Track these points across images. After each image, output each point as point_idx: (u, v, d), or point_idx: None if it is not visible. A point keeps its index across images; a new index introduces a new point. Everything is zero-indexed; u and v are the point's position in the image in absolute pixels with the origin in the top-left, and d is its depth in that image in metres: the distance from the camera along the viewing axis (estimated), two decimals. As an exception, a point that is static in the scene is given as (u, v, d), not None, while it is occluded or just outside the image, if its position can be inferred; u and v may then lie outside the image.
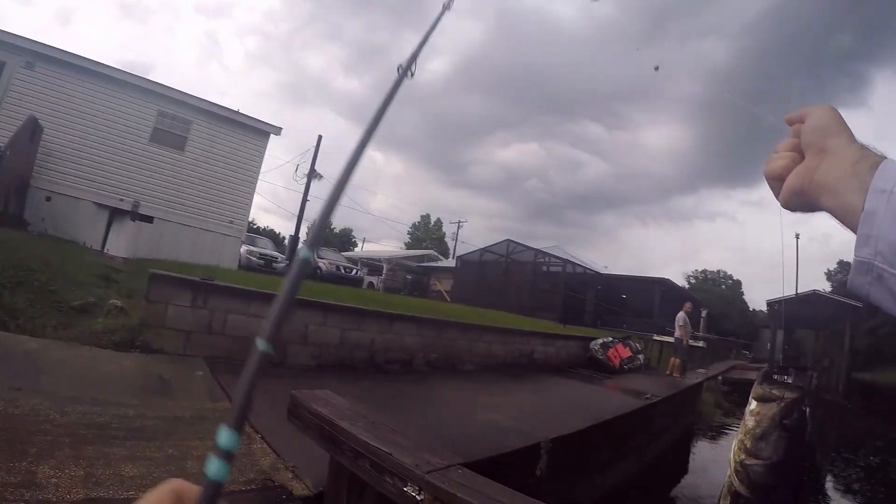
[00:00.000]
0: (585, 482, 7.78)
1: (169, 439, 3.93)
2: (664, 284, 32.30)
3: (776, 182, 0.82)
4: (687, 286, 69.08)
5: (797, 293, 27.24)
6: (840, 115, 0.78)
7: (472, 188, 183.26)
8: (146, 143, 17.84)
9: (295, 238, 26.57)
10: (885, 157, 0.68)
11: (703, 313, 35.34)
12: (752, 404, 0.91)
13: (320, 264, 26.50)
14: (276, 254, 25.42)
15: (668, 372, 15.40)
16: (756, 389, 0.94)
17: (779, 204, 0.82)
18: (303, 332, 8.21)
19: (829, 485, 12.44)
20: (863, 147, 0.72)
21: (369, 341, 9.05)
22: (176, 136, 18.61)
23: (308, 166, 29.03)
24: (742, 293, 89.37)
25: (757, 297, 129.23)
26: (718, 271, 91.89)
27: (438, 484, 2.35)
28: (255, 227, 66.31)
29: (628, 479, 9.39)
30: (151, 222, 17.81)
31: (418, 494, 2.42)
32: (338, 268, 27.28)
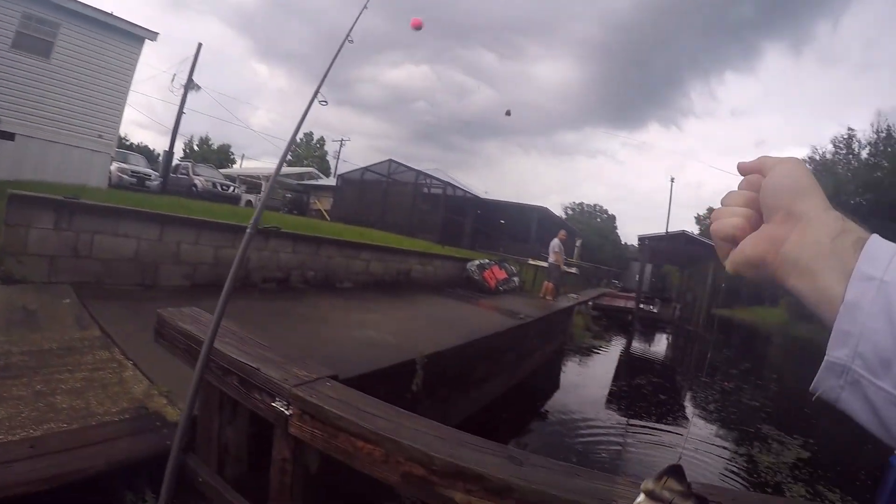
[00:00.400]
0: (461, 398, 7.92)
1: (37, 375, 3.65)
2: (542, 213, 32.84)
3: (725, 243, 0.70)
4: (564, 216, 70.92)
5: (667, 231, 28.35)
6: (809, 172, 0.67)
7: (358, 107, 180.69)
8: (7, 50, 15.95)
9: (169, 154, 25.07)
10: (871, 234, 0.57)
11: (578, 243, 36.43)
12: (640, 497, 0.77)
13: (196, 181, 25.55)
14: (149, 171, 23.88)
15: (541, 295, 15.79)
16: (647, 483, 0.79)
17: (725, 265, 0.70)
18: (174, 251, 7.77)
19: (688, 403, 13.35)
20: (842, 217, 0.61)
21: (245, 259, 8.69)
22: (41, 41, 16.69)
23: (186, 77, 27.18)
24: (616, 228, 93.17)
25: (629, 233, 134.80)
26: (595, 205, 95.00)
27: (306, 397, 2.24)
28: (127, 143, 62.92)
29: (503, 395, 9.67)
30: (13, 140, 16.08)
31: (286, 409, 2.32)
32: (214, 185, 26.24)
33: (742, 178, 0.74)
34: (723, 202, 0.74)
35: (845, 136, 44.28)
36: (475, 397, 8.52)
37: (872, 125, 53.32)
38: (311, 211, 36.41)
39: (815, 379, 0.58)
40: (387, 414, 2.17)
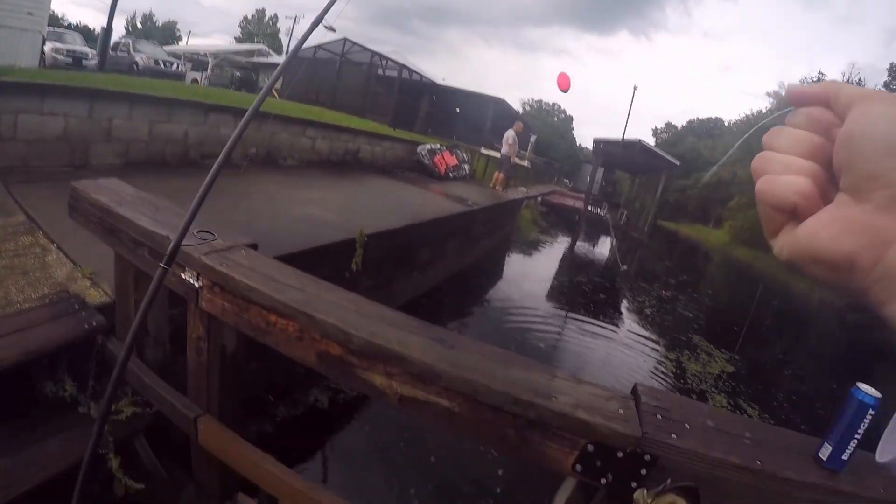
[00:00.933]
0: (404, 281, 7.88)
1: (-43, 268, 3.34)
2: (499, 105, 32.27)
3: (779, 213, 0.47)
4: (521, 112, 70.48)
5: (623, 139, 28.35)
6: None
7: None
8: None
9: (107, 31, 23.35)
10: None
11: (533, 138, 36.24)
12: None
13: (137, 59, 23.94)
14: (85, 49, 22.09)
15: (491, 185, 15.62)
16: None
17: (773, 247, 0.48)
18: (106, 127, 7.11)
19: (625, 306, 13.63)
20: None
21: (182, 134, 8.16)
22: None
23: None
24: (572, 129, 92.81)
25: (585, 136, 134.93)
26: (553, 104, 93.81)
27: (215, 266, 1.98)
28: (65, 22, 59.60)
29: (447, 280, 9.67)
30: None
31: (196, 280, 2.07)
32: (157, 62, 24.67)
33: (795, 109, 0.50)
34: (770, 144, 0.50)
35: (815, 79, 44.24)
36: (418, 282, 8.49)
37: (843, 74, 54.18)
38: (260, 89, 34.75)
39: (884, 455, 0.40)
40: (302, 284, 1.94)
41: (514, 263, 14.53)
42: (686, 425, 1.42)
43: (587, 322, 10.61)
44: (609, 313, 12.10)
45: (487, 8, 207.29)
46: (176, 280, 2.14)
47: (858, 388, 1.30)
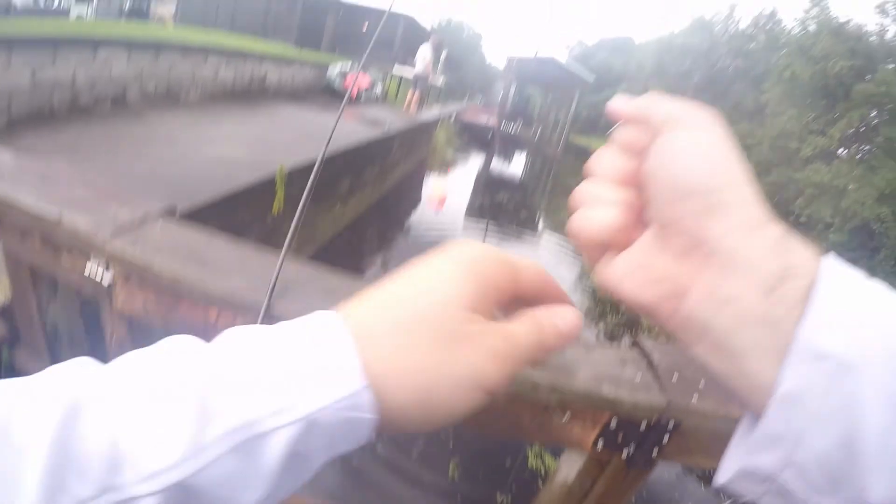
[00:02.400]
0: (327, 214, 7.72)
1: None
2: (408, 22, 31.58)
3: (592, 249, 0.45)
4: (429, 28, 69.35)
5: (537, 56, 28.28)
6: (733, 147, 0.40)
7: None
8: None
9: None
10: (822, 265, 0.35)
11: (444, 54, 35.66)
12: None
13: None
14: None
15: (405, 106, 15.24)
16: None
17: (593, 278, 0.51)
18: None
19: (542, 221, 13.85)
20: (783, 238, 0.37)
21: (70, 78, 7.27)
22: None
23: None
24: (481, 45, 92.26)
25: (495, 53, 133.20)
26: (461, 22, 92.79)
27: (128, 251, 1.45)
28: None
29: (367, 210, 9.52)
30: None
31: (104, 274, 1.51)
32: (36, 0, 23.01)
33: (620, 125, 0.46)
34: (589, 171, 0.48)
35: (731, 3, 45.28)
36: (339, 215, 8.32)
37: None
38: (154, 19, 32.64)
39: (723, 476, 0.38)
40: (243, 261, 1.51)
41: (434, 185, 14.42)
42: (703, 380, 1.35)
43: (508, 238, 10.80)
44: (529, 229, 12.28)
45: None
46: (77, 277, 1.59)
47: None
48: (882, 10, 27.74)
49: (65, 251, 1.59)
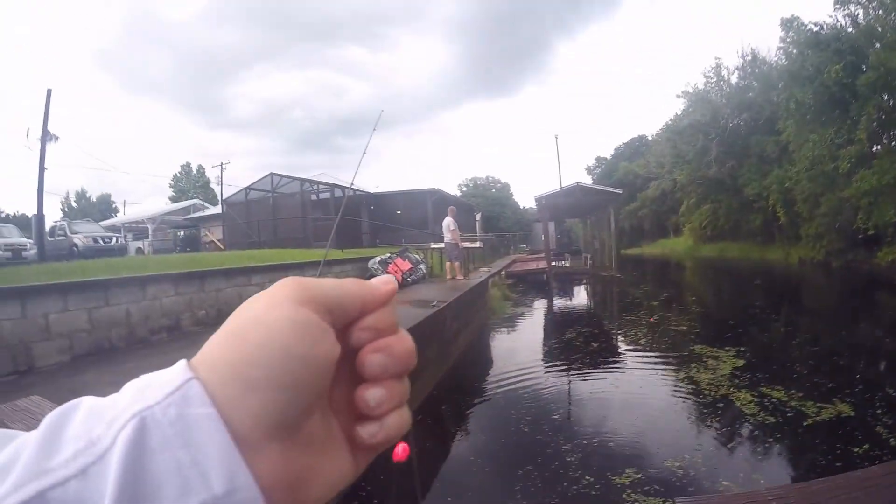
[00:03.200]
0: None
1: None
2: (436, 195, 32.79)
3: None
4: (459, 194, 71.53)
5: (561, 187, 28.84)
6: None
7: (235, 128, 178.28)
8: None
9: (40, 217, 22.81)
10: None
11: (478, 216, 36.68)
12: None
13: (75, 241, 23.67)
14: (23, 240, 22.11)
15: (448, 277, 15.48)
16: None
17: None
18: (42, 324, 6.74)
19: (621, 343, 13.47)
20: None
21: (125, 314, 7.79)
22: None
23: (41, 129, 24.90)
24: (512, 194, 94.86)
25: (527, 195, 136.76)
26: (488, 177, 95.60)
27: None
28: (1, 214, 61.30)
29: (437, 386, 9.35)
30: None
31: None
32: (96, 240, 24.55)
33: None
34: None
35: (714, 66, 46.06)
36: (411, 398, 8.07)
37: (737, 52, 57.41)
38: (204, 244, 35.15)
39: None
40: None
41: (500, 344, 14.25)
42: None
43: (590, 372, 10.42)
44: (608, 357, 11.91)
45: (399, 108, 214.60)
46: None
47: None
48: (841, 1, 28.03)
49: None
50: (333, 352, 0.38)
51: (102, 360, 6.86)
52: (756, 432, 7.00)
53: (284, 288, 0.38)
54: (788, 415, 7.28)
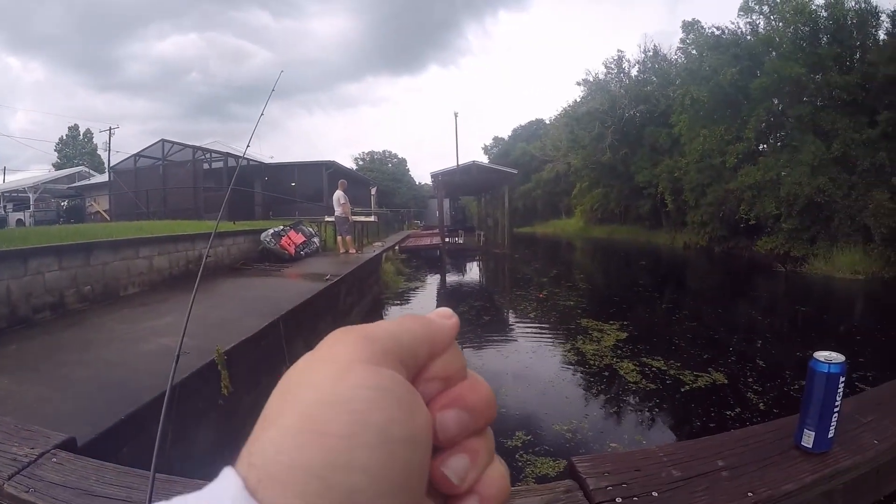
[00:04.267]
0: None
1: None
2: (330, 167, 32.34)
3: None
4: (355, 167, 70.97)
5: (458, 164, 29.03)
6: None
7: (127, 89, 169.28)
8: None
9: None
10: None
11: (373, 190, 36.39)
12: None
13: None
14: None
15: (341, 251, 15.42)
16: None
17: None
18: None
19: (511, 317, 13.84)
20: None
21: (5, 291, 7.19)
22: None
23: None
24: (408, 170, 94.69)
25: (423, 173, 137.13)
26: (384, 151, 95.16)
27: (21, 494, 1.30)
28: None
29: None
30: None
31: None
32: None
33: None
34: None
35: (616, 58, 46.97)
36: None
37: (640, 46, 60.24)
38: (90, 215, 33.14)
39: None
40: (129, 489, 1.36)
41: (392, 317, 14.39)
42: (654, 493, 1.12)
43: (482, 344, 10.66)
44: (499, 330, 12.19)
45: (299, 77, 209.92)
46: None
47: (818, 359, 1.16)
48: (745, 9, 29.46)
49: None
50: (430, 418, 0.29)
51: None
52: (638, 398, 7.42)
53: (347, 343, 0.29)
54: (668, 382, 7.75)
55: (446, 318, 0.34)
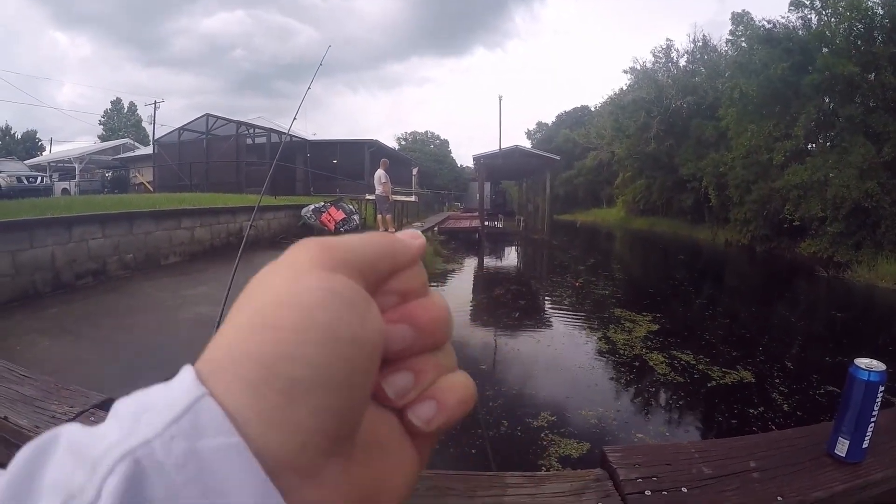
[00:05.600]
0: None
1: None
2: (373, 146, 32.51)
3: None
4: (397, 147, 70.99)
5: (501, 148, 28.90)
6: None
7: (172, 65, 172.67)
8: None
9: None
10: None
11: (415, 171, 36.52)
12: None
13: None
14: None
15: (381, 230, 15.50)
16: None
17: None
18: None
19: (546, 303, 13.87)
20: None
21: (49, 257, 7.49)
22: None
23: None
24: (450, 152, 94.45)
25: (465, 155, 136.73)
26: (427, 132, 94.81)
27: None
28: None
29: None
30: None
31: None
32: (19, 179, 23.52)
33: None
34: None
35: (664, 47, 46.19)
36: None
37: (689, 36, 57.93)
38: (133, 186, 33.84)
39: None
40: None
41: None
42: (683, 489, 1.11)
43: (516, 326, 10.82)
44: (533, 314, 12.24)
45: (344, 55, 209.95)
46: None
47: (858, 366, 1.12)
48: (797, 3, 28.74)
49: (6, 457, 1.60)
50: (381, 327, 0.30)
51: (24, 307, 6.60)
52: (665, 390, 7.45)
53: (307, 251, 0.30)
54: (695, 376, 7.75)
55: (413, 237, 0.36)
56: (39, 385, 1.80)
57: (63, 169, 36.55)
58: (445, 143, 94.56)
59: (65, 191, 29.32)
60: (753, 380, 7.66)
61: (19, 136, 69.40)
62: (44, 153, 58.60)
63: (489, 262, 22.78)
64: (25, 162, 32.13)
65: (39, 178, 25.12)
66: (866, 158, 22.91)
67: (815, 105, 26.55)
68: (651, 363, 8.27)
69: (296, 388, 0.25)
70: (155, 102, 43.14)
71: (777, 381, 7.70)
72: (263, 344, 0.26)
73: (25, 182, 23.40)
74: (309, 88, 5.17)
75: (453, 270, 18.88)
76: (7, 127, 69.20)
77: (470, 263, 21.41)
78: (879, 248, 21.28)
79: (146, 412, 0.25)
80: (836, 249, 23.55)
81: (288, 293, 0.28)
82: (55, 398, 1.72)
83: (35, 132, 72.40)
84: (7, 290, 6.76)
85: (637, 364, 8.36)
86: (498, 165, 30.88)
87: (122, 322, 5.71)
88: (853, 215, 22.91)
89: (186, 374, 0.26)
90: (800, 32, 28.59)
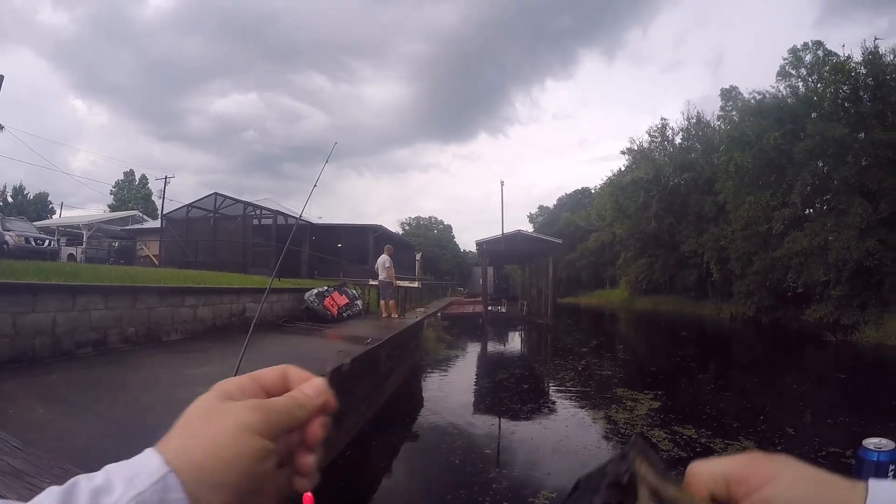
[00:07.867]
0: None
1: None
2: (377, 230, 32.79)
3: None
4: (401, 232, 71.48)
5: (503, 233, 29.19)
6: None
7: (186, 141, 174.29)
8: None
9: None
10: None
11: (418, 256, 36.69)
12: None
13: (7, 238, 22.35)
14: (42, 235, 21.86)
15: (383, 315, 15.50)
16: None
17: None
18: None
19: (550, 387, 13.72)
20: None
21: (50, 323, 7.41)
22: None
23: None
24: (453, 237, 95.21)
25: (468, 240, 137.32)
26: (431, 217, 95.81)
27: None
28: None
29: (367, 425, 9.27)
30: None
31: None
32: (27, 240, 23.47)
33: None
34: None
35: (659, 126, 47.71)
36: (334, 441, 8.00)
37: (683, 114, 59.41)
38: (139, 258, 33.76)
39: None
40: None
41: (432, 386, 14.18)
42: None
43: (519, 409, 10.84)
44: (536, 397, 12.19)
45: (352, 139, 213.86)
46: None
47: (867, 447, 1.13)
48: (783, 73, 29.48)
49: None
50: (274, 464, 0.51)
51: (21, 371, 6.50)
52: (666, 466, 7.37)
53: (248, 414, 0.50)
54: (697, 450, 7.69)
55: (317, 395, 0.58)
56: (32, 459, 1.84)
57: (71, 234, 36.53)
58: (448, 228, 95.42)
59: (71, 256, 29.30)
60: (755, 448, 7.60)
61: (31, 197, 69.33)
62: (53, 216, 58.80)
63: (493, 347, 22.70)
64: (35, 223, 32.29)
65: (48, 241, 24.90)
66: (864, 217, 23.15)
67: (810, 170, 26.99)
68: (654, 439, 8.19)
69: (215, 487, 0.46)
70: (166, 178, 44.08)
71: (779, 448, 7.62)
72: (203, 458, 0.47)
73: (34, 243, 23.25)
74: (315, 185, 5.35)
75: (457, 356, 18.82)
76: (21, 186, 69.18)
77: (473, 349, 21.33)
78: (885, 307, 21.24)
79: (137, 476, 0.45)
80: (841, 312, 23.58)
81: (227, 442, 0.48)
82: (47, 475, 1.77)
83: (47, 195, 71.80)
84: (6, 350, 6.74)
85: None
86: (501, 250, 31.05)
87: (118, 396, 5.68)
88: (856, 276, 23.00)
89: (155, 458, 0.47)
90: (789, 101, 29.19)
